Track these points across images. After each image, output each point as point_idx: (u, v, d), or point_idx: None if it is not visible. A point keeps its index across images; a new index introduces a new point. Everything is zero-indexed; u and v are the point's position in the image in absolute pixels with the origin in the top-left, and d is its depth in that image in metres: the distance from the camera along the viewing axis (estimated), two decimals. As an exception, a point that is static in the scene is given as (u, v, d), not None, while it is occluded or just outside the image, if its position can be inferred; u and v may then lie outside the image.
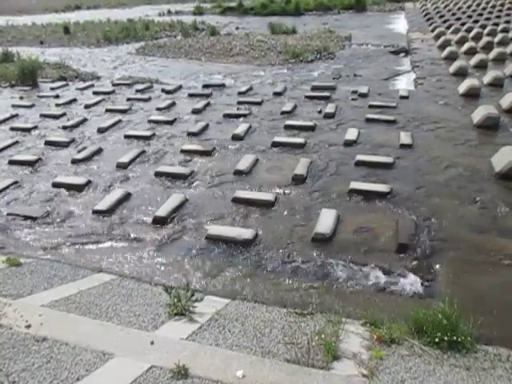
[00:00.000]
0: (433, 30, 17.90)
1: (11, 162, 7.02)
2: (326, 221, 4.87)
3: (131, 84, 11.65)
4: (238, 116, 8.86)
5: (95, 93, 11.05)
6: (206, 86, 11.23)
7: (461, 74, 11.14)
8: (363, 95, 9.84)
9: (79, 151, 7.37)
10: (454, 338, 3.01)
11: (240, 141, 7.57)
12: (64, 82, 12.27)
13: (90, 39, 20.17)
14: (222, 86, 11.24)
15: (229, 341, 3.05)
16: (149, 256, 4.57)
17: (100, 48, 18.31)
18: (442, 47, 14.57)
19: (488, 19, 19.70)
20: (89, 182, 6.23)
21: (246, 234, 4.73)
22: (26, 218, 5.37)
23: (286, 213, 5.29)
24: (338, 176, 6.17)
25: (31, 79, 11.96)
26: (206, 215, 5.30)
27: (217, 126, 8.38)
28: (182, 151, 7.18)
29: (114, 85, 11.74)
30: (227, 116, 8.87)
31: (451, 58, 12.94)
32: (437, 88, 10.24)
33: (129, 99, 10.35)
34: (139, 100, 10.27)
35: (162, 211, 5.28)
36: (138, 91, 11.05)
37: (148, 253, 4.62)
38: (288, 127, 8.08)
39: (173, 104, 9.81)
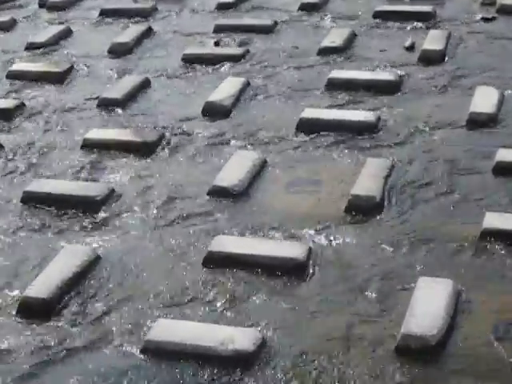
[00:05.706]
0: None
1: None
2: (427, 304, 3.84)
3: None
4: (216, 60, 7.51)
5: None
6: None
7: None
8: (507, 10, 8.57)
9: None
10: None
11: (223, 118, 6.41)
12: None
13: None
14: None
15: None
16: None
17: None
18: None
19: None
20: None
21: (240, 339, 3.77)
22: None
23: (330, 287, 4.20)
24: (453, 198, 4.98)
25: None
26: (144, 294, 4.30)
27: (167, 86, 7.26)
28: (87, 144, 6.14)
29: None
30: (192, 59, 7.57)
31: None
32: None
33: None
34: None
35: (41, 288, 4.29)
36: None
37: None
38: (335, 85, 6.79)
39: (63, 35, 8.44)
